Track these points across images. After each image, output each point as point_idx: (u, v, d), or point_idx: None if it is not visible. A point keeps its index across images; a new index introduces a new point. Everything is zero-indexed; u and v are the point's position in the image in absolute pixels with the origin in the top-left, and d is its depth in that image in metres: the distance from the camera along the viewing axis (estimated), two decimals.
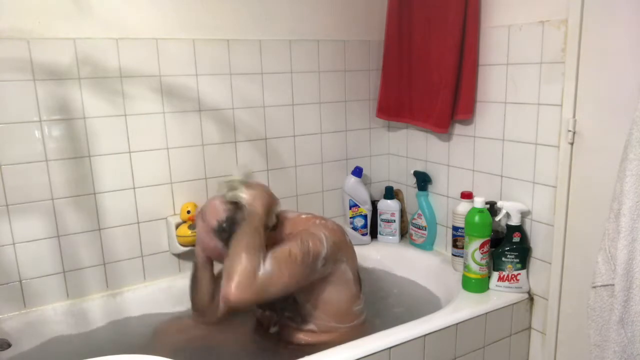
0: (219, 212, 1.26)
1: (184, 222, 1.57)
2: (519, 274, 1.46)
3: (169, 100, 1.53)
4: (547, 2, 1.34)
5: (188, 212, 1.55)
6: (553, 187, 1.38)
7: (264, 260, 1.13)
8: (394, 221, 1.90)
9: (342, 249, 1.31)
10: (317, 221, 1.33)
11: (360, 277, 1.40)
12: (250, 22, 1.63)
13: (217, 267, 1.37)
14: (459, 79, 1.58)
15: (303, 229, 1.28)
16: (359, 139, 1.93)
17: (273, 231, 1.30)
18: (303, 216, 1.37)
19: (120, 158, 1.49)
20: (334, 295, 1.29)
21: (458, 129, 1.68)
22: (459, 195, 1.63)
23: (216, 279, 1.35)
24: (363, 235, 1.89)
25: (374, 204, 1.91)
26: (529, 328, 1.49)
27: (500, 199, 1.51)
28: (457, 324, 1.33)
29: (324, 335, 1.29)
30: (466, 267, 1.47)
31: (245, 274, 1.09)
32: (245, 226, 1.19)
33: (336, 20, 1.78)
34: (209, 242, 1.27)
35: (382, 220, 1.91)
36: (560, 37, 1.31)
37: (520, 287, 1.47)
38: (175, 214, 1.59)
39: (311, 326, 1.28)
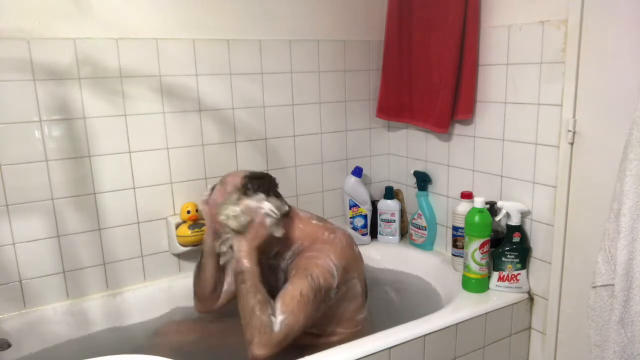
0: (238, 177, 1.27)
1: (184, 222, 1.56)
2: (519, 274, 1.46)
3: (169, 100, 1.53)
4: (547, 2, 1.34)
5: (188, 212, 1.55)
6: (553, 187, 1.38)
7: (274, 311, 1.13)
8: (394, 221, 1.90)
9: (352, 269, 1.29)
10: (326, 234, 1.30)
11: (367, 285, 1.40)
12: (250, 22, 1.63)
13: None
14: (459, 79, 1.58)
15: (310, 254, 1.25)
16: (359, 139, 1.93)
17: (286, 216, 1.29)
18: (313, 222, 1.35)
19: (120, 158, 1.49)
20: (341, 307, 1.29)
21: (458, 129, 1.68)
22: (459, 195, 1.63)
23: (220, 270, 1.37)
24: (363, 235, 1.89)
25: (374, 204, 1.91)
26: (529, 328, 1.49)
27: (500, 199, 1.51)
28: (457, 324, 1.33)
29: (325, 338, 1.29)
30: (466, 267, 1.47)
31: (261, 331, 1.10)
32: (243, 278, 1.17)
33: (336, 20, 1.78)
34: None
35: (382, 220, 1.91)
36: (560, 37, 1.31)
37: (520, 287, 1.47)
38: (175, 214, 1.59)
39: (313, 330, 1.28)
